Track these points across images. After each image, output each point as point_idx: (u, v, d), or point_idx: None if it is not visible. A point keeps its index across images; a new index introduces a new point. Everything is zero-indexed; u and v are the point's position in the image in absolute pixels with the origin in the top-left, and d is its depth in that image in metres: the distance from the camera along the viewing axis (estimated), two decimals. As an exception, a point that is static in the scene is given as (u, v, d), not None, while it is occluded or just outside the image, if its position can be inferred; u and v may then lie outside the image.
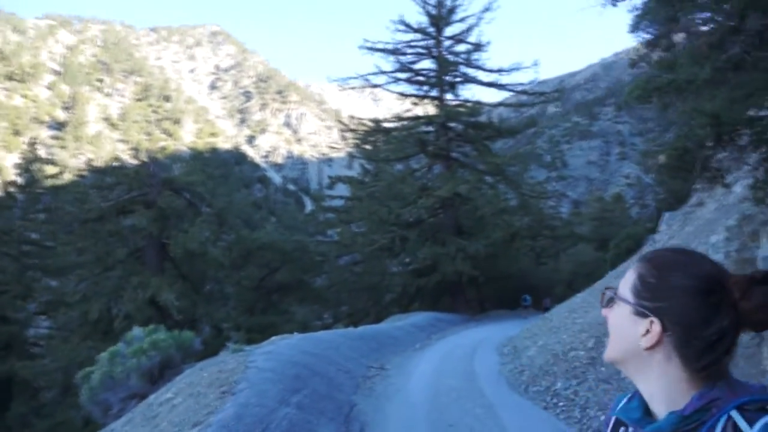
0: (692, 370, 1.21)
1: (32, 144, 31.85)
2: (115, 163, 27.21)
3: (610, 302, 1.35)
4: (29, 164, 29.89)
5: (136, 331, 11.01)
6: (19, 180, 29.35)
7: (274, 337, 13.92)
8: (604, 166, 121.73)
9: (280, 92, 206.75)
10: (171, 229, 22.84)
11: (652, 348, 1.24)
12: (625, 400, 1.38)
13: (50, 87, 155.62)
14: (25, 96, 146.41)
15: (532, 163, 45.57)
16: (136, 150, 30.89)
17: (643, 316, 1.26)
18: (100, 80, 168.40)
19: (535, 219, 40.06)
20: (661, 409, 1.24)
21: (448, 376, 12.15)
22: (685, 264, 1.27)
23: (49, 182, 27.31)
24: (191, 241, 21.72)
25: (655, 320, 1.24)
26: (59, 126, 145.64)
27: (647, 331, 1.25)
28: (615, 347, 1.32)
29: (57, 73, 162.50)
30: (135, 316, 21.42)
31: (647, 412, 1.30)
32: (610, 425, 1.41)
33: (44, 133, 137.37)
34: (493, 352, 15.75)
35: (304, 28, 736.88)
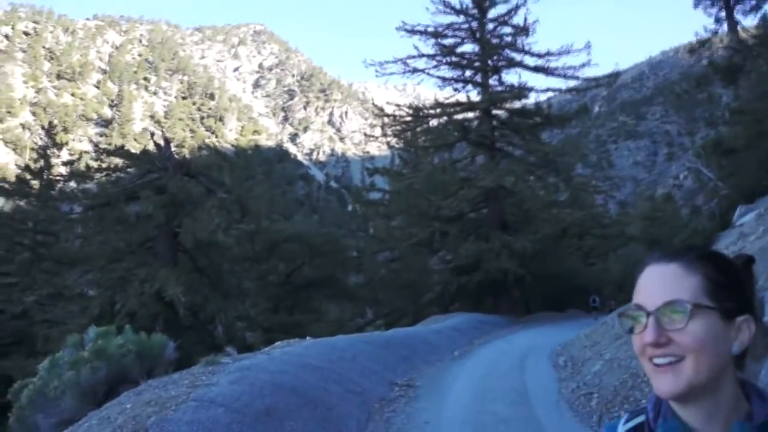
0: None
1: (49, 129, 30.34)
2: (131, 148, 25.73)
3: (692, 315, 1.13)
4: (45, 150, 28.35)
5: (91, 331, 8.78)
6: (33, 166, 27.91)
7: (278, 342, 11.57)
8: (651, 166, 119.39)
9: (323, 90, 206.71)
10: (184, 216, 20.78)
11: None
12: (632, 423, 1.29)
13: (98, 85, 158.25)
14: (73, 94, 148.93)
15: (578, 162, 42.84)
16: (151, 134, 28.96)
17: (731, 317, 1.15)
18: (146, 79, 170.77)
19: (586, 215, 37.09)
20: (718, 421, 1.15)
21: (494, 398, 9.51)
22: (729, 258, 1.23)
23: (62, 169, 25.50)
24: (200, 229, 19.61)
25: (749, 317, 1.17)
26: (106, 123, 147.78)
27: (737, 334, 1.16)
28: (704, 367, 1.12)
29: (104, 72, 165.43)
30: (139, 313, 19.50)
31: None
32: None
33: (91, 130, 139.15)
34: (546, 363, 13.09)
35: (347, 27, 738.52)
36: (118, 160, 22.58)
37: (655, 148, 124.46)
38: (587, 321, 27.90)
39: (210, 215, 20.03)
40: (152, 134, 27.82)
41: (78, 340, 8.69)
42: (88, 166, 23.32)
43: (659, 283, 1.18)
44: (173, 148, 29.12)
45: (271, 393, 7.12)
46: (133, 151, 25.15)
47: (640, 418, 1.30)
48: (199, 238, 19.82)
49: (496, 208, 33.62)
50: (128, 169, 22.71)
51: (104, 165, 22.64)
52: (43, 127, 31.83)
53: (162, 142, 22.97)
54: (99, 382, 7.60)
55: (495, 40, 35.09)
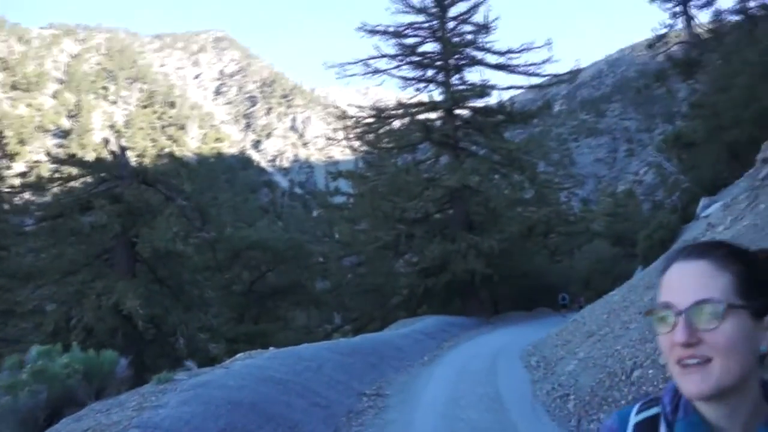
0: None
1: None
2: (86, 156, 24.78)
3: (725, 315, 1.10)
4: (-6, 162, 27.37)
5: (33, 350, 8.15)
6: (-17, 179, 26.84)
7: (239, 355, 11.01)
8: (611, 163, 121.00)
9: (285, 96, 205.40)
10: (141, 226, 20.01)
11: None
12: (645, 414, 1.26)
13: (55, 96, 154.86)
14: (29, 105, 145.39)
15: (541, 160, 42.95)
16: (106, 141, 28.04)
17: (760, 316, 1.13)
18: (105, 88, 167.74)
19: (551, 212, 37.05)
20: (739, 420, 1.13)
21: (467, 404, 9.01)
22: (755, 254, 1.19)
23: (15, 181, 24.47)
24: (158, 239, 18.88)
25: None
26: (64, 134, 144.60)
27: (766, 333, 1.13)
28: (734, 368, 1.09)
29: (61, 81, 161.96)
30: (96, 327, 18.69)
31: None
32: None
33: (49, 142, 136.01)
34: (518, 364, 12.72)
35: (308, 32, 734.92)
36: (72, 170, 21.72)
37: (615, 145, 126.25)
38: (556, 319, 27.77)
39: (168, 223, 19.29)
40: (107, 141, 26.88)
41: (16, 361, 8.03)
42: (39, 177, 22.43)
43: (690, 281, 1.14)
44: (133, 158, 28.29)
45: (228, 412, 6.52)
46: (86, 159, 24.25)
47: (655, 410, 1.26)
48: (157, 247, 19.07)
49: (461, 209, 33.35)
50: (82, 179, 21.93)
51: (57, 175, 21.75)
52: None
53: (118, 150, 22.19)
54: (39, 406, 6.94)
55: (456, 39, 34.95)
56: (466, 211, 33.67)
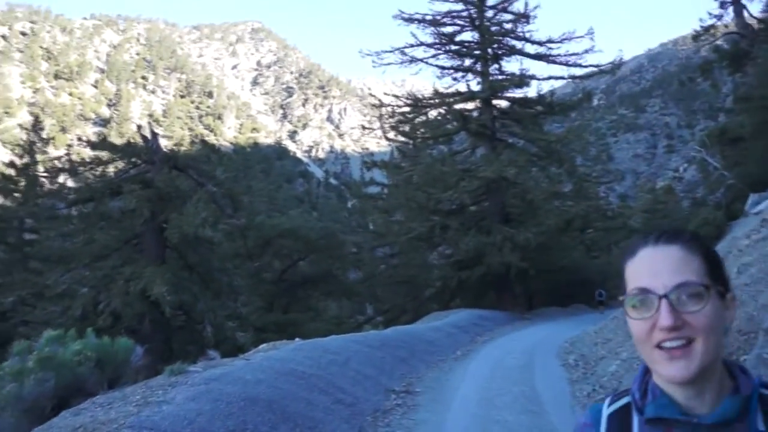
0: None
1: (34, 124, 29.39)
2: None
3: (706, 296, 1.16)
4: (31, 146, 27.35)
5: (45, 335, 7.77)
6: (19, 162, 26.92)
7: (263, 345, 10.54)
8: (650, 159, 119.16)
9: (321, 87, 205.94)
10: (171, 212, 19.75)
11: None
12: (616, 405, 1.32)
13: (96, 85, 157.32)
14: (71, 94, 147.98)
15: (580, 153, 41.90)
16: (138, 126, 27.92)
17: (723, 296, 1.19)
18: (144, 78, 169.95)
19: (590, 206, 36.02)
20: (707, 397, 1.19)
21: (502, 404, 8.43)
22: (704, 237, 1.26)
23: (48, 164, 24.49)
24: (186, 224, 18.57)
25: (734, 295, 1.23)
26: (104, 122, 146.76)
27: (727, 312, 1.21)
28: (713, 347, 1.16)
29: (102, 71, 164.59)
30: (123, 312, 18.51)
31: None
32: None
33: (90, 130, 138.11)
34: (555, 362, 12.08)
35: (345, 23, 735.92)
36: (104, 154, 21.59)
37: (654, 141, 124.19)
38: (593, 316, 27.01)
39: (197, 209, 18.99)
40: (139, 126, 26.78)
41: (25, 346, 7.64)
42: (71, 161, 22.37)
43: (665, 266, 1.17)
44: (170, 147, 28.04)
45: (240, 410, 5.95)
46: (117, 143, 24.13)
47: (625, 400, 1.30)
48: (185, 233, 18.79)
49: (497, 200, 32.59)
50: (114, 164, 21.76)
51: (88, 159, 21.66)
52: (33, 126, 30.74)
53: (149, 135, 21.98)
54: (46, 395, 6.55)
55: (494, 28, 34.09)
56: (503, 204, 32.91)
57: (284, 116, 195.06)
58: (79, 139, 27.54)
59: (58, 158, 24.03)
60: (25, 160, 27.36)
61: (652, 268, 1.18)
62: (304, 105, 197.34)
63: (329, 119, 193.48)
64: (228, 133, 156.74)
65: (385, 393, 9.26)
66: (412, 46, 34.16)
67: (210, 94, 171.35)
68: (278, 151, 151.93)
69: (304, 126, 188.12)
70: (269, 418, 6.05)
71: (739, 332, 7.54)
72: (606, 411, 1.32)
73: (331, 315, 36.73)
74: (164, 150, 22.66)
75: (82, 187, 20.89)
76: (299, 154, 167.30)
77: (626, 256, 1.25)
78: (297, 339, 11.69)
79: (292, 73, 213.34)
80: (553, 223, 30.95)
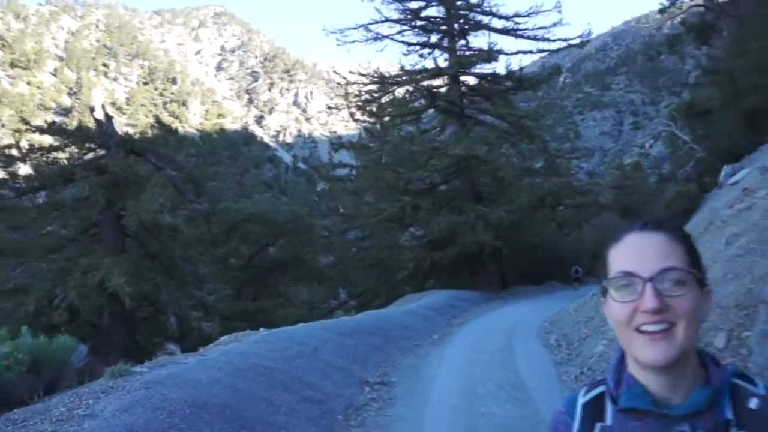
0: None
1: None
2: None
3: (689, 282, 1.19)
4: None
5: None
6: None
7: (224, 338, 9.75)
8: (617, 136, 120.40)
9: (287, 71, 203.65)
10: (128, 198, 18.71)
11: None
12: (591, 394, 1.33)
13: (55, 73, 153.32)
14: (29, 83, 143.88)
15: (551, 128, 41.47)
16: (91, 109, 26.67)
17: (702, 287, 1.21)
18: (105, 65, 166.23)
19: (562, 182, 35.64)
20: (680, 387, 1.21)
21: (486, 393, 7.77)
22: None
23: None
24: (143, 210, 17.57)
25: (710, 287, 1.24)
26: (65, 112, 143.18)
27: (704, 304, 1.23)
28: (692, 333, 1.18)
29: (61, 59, 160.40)
30: (81, 306, 17.50)
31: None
32: (577, 422, 1.32)
33: (51, 119, 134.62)
34: (536, 343, 11.52)
35: (309, 5, 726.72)
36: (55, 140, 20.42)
37: (620, 118, 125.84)
38: (568, 293, 26.70)
39: (153, 194, 18.02)
40: (92, 109, 25.56)
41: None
42: (18, 147, 21.11)
43: (651, 251, 1.19)
44: (136, 135, 26.74)
45: (184, 420, 5.04)
46: (68, 127, 22.91)
47: (600, 389, 1.31)
48: (143, 219, 17.82)
49: (468, 179, 32.04)
50: (67, 149, 20.61)
51: (37, 146, 20.45)
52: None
53: (103, 118, 20.85)
54: (-35, 405, 5.73)
55: (460, 2, 33.37)
56: (474, 182, 32.37)
57: (250, 101, 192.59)
58: (27, 124, 26.03)
59: (9, 146, 22.63)
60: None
61: (638, 253, 1.19)
62: (269, 89, 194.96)
63: (296, 103, 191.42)
64: (194, 120, 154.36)
65: (359, 385, 8.50)
66: (377, 22, 33.32)
67: (174, 81, 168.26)
68: (245, 137, 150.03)
69: (271, 111, 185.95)
70: (220, 428, 5.17)
71: (737, 307, 7.01)
72: (581, 400, 1.32)
73: (303, 300, 35.96)
74: (120, 134, 21.55)
75: (31, 175, 19.75)
76: (266, 139, 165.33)
77: (610, 242, 1.26)
78: (262, 329, 10.88)
79: (256, 57, 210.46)
80: (525, 200, 30.55)
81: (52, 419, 4.86)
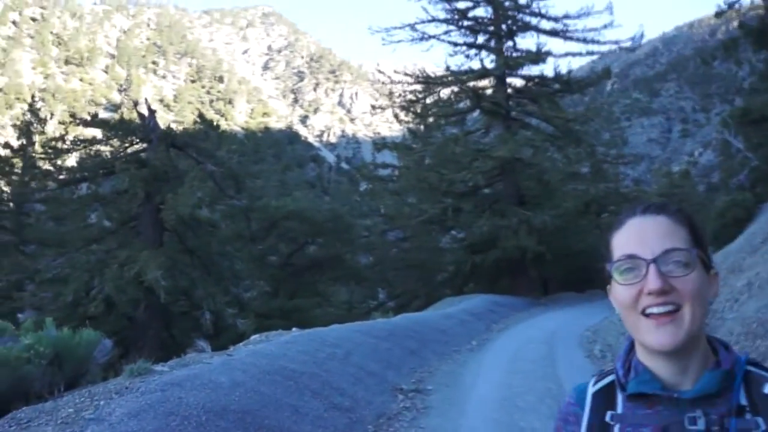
0: None
1: (31, 104, 28.40)
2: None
3: (693, 263, 1.17)
4: (28, 126, 26.38)
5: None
6: (16, 143, 25.97)
7: (254, 337, 9.43)
8: (665, 143, 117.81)
9: (332, 72, 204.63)
10: (168, 192, 18.66)
11: None
12: (601, 383, 1.30)
13: (106, 70, 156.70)
14: (82, 79, 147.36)
15: (593, 140, 40.56)
16: (135, 103, 26.84)
17: (707, 270, 1.21)
18: (155, 63, 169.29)
19: (609, 188, 34.75)
20: (690, 372, 1.19)
21: (526, 406, 7.29)
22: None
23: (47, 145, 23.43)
24: (181, 204, 17.49)
25: (716, 270, 1.23)
26: (115, 108, 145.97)
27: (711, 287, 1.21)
28: (699, 316, 1.16)
29: (112, 56, 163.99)
30: (117, 298, 17.50)
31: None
32: (587, 412, 1.28)
33: (101, 115, 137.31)
34: (579, 354, 11.01)
35: (356, 7, 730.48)
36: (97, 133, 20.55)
37: (669, 125, 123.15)
38: (609, 302, 25.91)
39: (191, 188, 17.93)
40: (135, 103, 25.75)
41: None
42: (63, 139, 21.27)
43: (654, 233, 1.19)
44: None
45: (197, 428, 4.64)
46: (111, 121, 23.05)
47: (610, 378, 1.29)
48: (180, 213, 17.76)
49: (512, 182, 31.47)
50: (109, 142, 20.72)
51: (81, 138, 20.62)
52: (29, 106, 29.73)
53: (146, 112, 20.91)
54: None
55: (508, 3, 32.83)
56: (518, 185, 31.78)
57: (295, 101, 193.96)
58: (72, 116, 26.33)
59: (56, 139, 22.88)
60: (22, 141, 26.40)
61: (640, 235, 1.18)
62: (315, 89, 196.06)
63: (340, 104, 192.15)
64: (239, 118, 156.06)
65: (392, 392, 8.06)
66: (423, 21, 32.98)
67: (221, 79, 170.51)
68: (289, 136, 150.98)
69: (316, 110, 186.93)
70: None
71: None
72: (591, 389, 1.30)
73: (341, 300, 35.74)
74: (162, 128, 21.58)
75: (73, 167, 19.89)
76: (310, 139, 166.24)
77: (613, 228, 1.26)
78: (294, 329, 10.51)
79: (303, 57, 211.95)
80: (570, 205, 29.89)
81: (57, 421, 4.54)
